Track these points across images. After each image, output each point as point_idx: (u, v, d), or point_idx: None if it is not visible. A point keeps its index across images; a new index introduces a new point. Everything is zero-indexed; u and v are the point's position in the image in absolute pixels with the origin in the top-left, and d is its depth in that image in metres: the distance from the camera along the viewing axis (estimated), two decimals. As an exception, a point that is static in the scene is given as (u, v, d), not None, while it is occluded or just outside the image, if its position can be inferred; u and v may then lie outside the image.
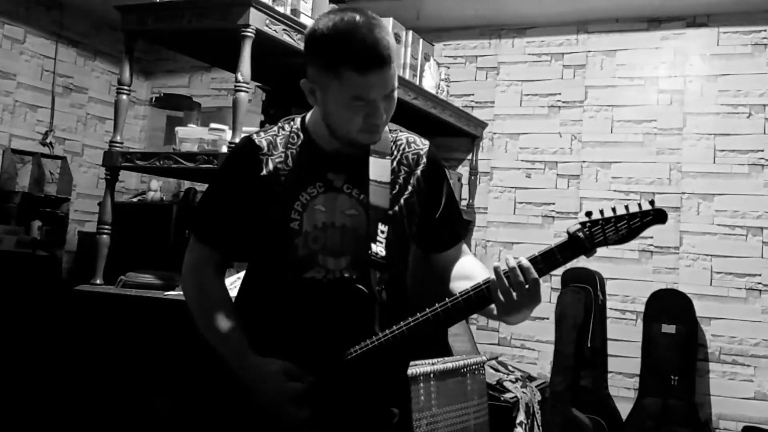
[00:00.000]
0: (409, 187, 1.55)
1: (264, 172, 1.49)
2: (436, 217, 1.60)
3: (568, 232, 1.38)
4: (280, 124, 1.58)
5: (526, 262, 1.38)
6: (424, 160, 1.59)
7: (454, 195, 1.68)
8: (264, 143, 1.52)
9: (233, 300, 1.59)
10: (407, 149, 1.59)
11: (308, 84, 1.46)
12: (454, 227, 1.66)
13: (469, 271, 1.59)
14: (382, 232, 1.48)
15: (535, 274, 1.37)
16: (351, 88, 1.38)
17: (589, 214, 1.37)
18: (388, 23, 3.46)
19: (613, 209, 1.38)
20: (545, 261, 1.39)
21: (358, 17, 1.38)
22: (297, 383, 1.41)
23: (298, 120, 1.58)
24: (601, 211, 1.38)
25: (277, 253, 1.49)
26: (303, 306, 1.47)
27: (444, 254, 1.64)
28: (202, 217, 1.61)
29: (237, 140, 2.43)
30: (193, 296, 1.56)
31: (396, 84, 1.44)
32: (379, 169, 1.52)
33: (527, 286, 1.37)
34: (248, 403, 1.48)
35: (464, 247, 1.68)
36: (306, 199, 1.49)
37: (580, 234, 1.37)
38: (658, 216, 1.37)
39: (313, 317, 1.46)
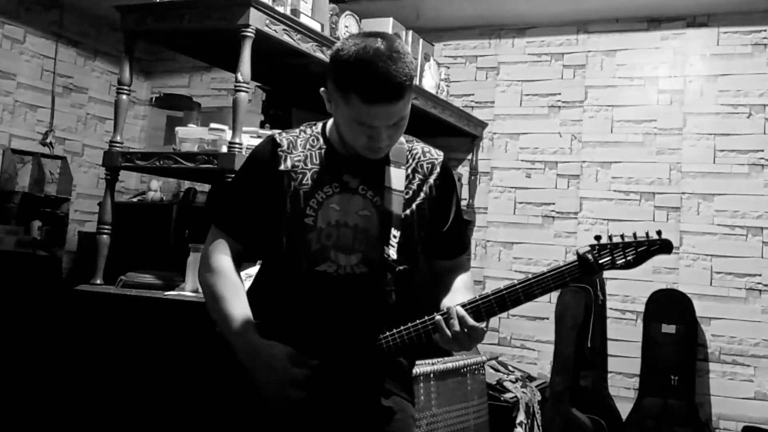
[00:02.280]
0: (422, 194, 1.62)
1: (282, 167, 1.58)
2: (444, 230, 1.67)
3: (577, 253, 1.44)
4: (302, 128, 1.67)
5: (461, 311, 1.44)
6: (438, 169, 1.65)
7: (461, 208, 1.75)
8: (285, 142, 1.61)
9: (247, 289, 1.63)
10: (422, 158, 1.65)
11: (326, 93, 1.53)
12: (459, 241, 1.73)
13: (455, 288, 1.65)
14: (395, 236, 1.55)
15: (472, 322, 1.43)
16: (356, 113, 1.44)
17: (598, 237, 1.45)
18: (388, 23, 3.46)
19: (622, 236, 1.45)
20: (553, 279, 1.45)
21: (381, 47, 1.42)
22: (300, 369, 1.45)
23: (319, 125, 1.66)
24: (610, 237, 1.45)
25: (291, 245, 1.56)
26: (314, 296, 1.54)
27: (443, 262, 1.71)
28: (221, 205, 1.70)
29: (237, 140, 2.47)
30: (205, 278, 1.60)
31: (407, 112, 1.49)
32: (395, 177, 1.59)
33: (465, 331, 1.44)
34: (249, 399, 1.50)
35: (463, 260, 1.74)
36: (322, 198, 1.56)
37: (589, 256, 1.44)
38: (664, 246, 1.45)
39: (323, 308, 1.52)
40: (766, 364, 3.69)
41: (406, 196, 1.59)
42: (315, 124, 1.66)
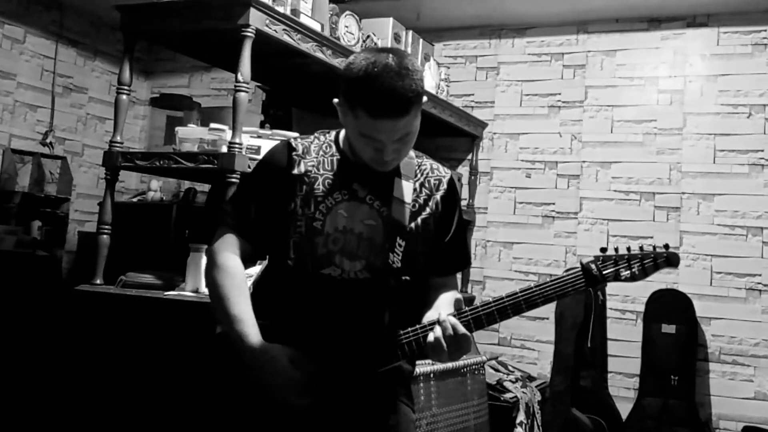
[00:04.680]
0: (428, 209, 1.66)
1: (295, 171, 1.61)
2: (442, 246, 1.69)
3: (581, 264, 1.44)
4: (316, 134, 1.70)
5: (453, 319, 1.45)
6: (445, 186, 1.69)
7: (463, 225, 1.77)
8: (300, 147, 1.64)
9: (250, 287, 1.65)
10: (430, 174, 1.69)
11: (338, 105, 1.56)
12: (455, 259, 1.75)
13: (438, 304, 1.64)
14: (399, 245, 1.58)
15: (463, 330, 1.44)
16: (362, 126, 1.48)
17: (603, 249, 1.45)
18: (388, 23, 3.46)
19: (628, 248, 1.45)
20: (555, 288, 1.46)
21: (391, 63, 1.45)
22: (301, 372, 1.46)
23: (332, 133, 1.69)
24: (616, 249, 1.45)
25: (298, 247, 1.58)
26: (317, 298, 1.56)
27: (437, 279, 1.72)
28: (231, 205, 1.70)
29: (237, 140, 2.47)
30: (212, 275, 1.61)
31: (414, 128, 1.52)
32: (403, 189, 1.62)
33: (456, 339, 1.45)
34: (251, 400, 1.50)
35: (455, 280, 1.77)
36: (331, 203, 1.59)
37: (593, 266, 1.44)
38: (670, 259, 1.44)
39: (326, 309, 1.55)
40: (766, 364, 3.70)
41: (413, 209, 1.62)
42: (329, 132, 1.70)
